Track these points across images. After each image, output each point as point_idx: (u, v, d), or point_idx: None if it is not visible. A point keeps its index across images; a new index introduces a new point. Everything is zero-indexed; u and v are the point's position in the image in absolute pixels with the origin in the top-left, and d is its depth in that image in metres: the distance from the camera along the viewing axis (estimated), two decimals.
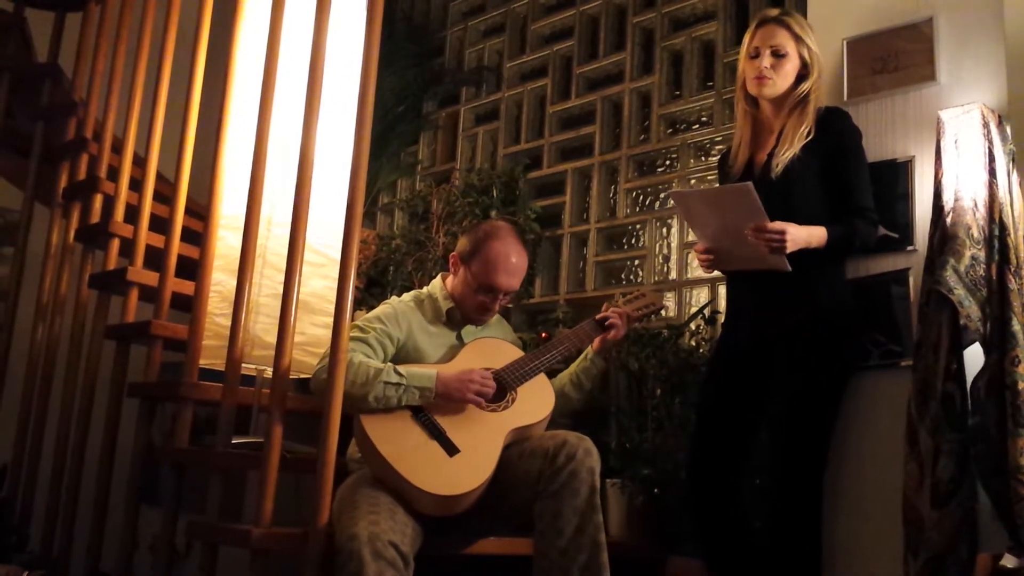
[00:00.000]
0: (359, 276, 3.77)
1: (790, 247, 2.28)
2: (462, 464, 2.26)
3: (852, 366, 2.41)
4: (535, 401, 2.46)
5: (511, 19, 4.19)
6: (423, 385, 2.32)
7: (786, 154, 2.41)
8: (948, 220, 2.21)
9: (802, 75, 2.46)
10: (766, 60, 2.44)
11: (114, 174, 3.22)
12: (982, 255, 2.17)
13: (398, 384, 2.29)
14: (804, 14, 2.81)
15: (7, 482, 3.15)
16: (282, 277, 2.44)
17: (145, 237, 3.03)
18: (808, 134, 2.42)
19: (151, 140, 3.11)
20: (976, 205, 2.21)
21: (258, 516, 2.22)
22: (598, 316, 2.65)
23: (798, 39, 2.45)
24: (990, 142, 2.26)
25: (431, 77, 4.37)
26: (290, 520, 2.41)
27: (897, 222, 2.45)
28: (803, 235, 2.31)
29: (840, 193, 2.40)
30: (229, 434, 2.48)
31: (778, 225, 2.27)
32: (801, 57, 2.45)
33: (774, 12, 2.51)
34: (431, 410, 2.34)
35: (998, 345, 2.10)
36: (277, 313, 2.41)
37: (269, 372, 2.47)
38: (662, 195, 3.48)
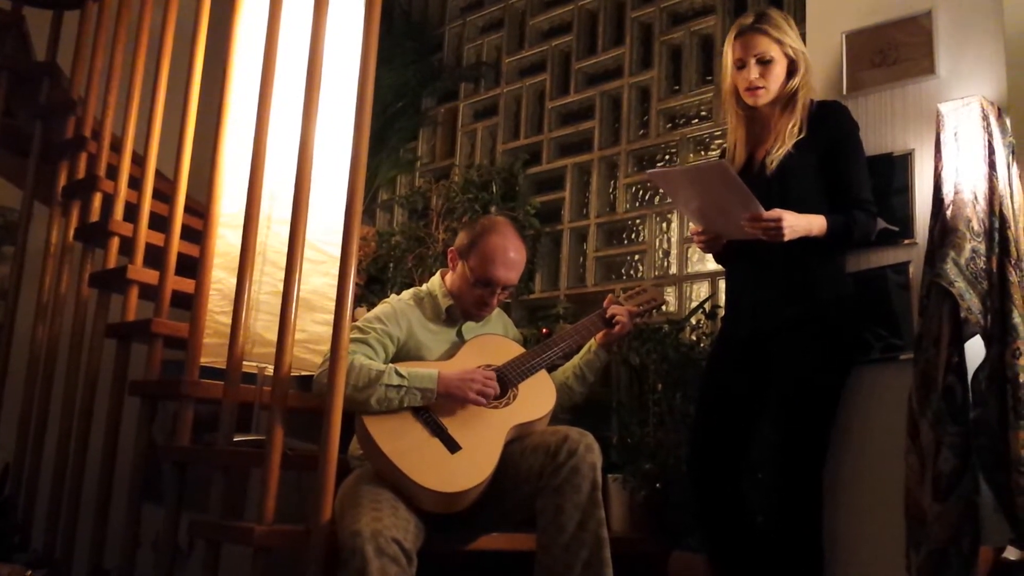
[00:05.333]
0: (359, 273, 3.77)
1: (788, 235, 2.28)
2: (464, 461, 2.26)
3: (852, 360, 2.41)
4: (537, 398, 2.47)
5: (509, 14, 4.18)
6: (425, 386, 2.32)
7: (779, 151, 2.42)
8: (948, 213, 2.21)
9: (791, 71, 2.46)
10: (754, 72, 2.44)
11: (113, 172, 3.22)
12: (982, 248, 2.16)
13: (399, 386, 2.29)
14: (803, 8, 2.81)
15: (9, 481, 3.15)
16: (282, 275, 2.44)
17: (145, 235, 3.03)
18: (800, 131, 2.42)
19: (150, 138, 3.10)
20: (976, 198, 2.20)
21: (260, 514, 2.23)
22: (606, 314, 2.65)
23: (779, 42, 2.44)
24: (990, 135, 2.26)
25: (430, 73, 4.36)
26: (292, 517, 2.41)
27: (897, 215, 2.45)
28: (803, 223, 2.31)
29: (839, 187, 2.40)
30: (230, 432, 2.49)
31: (774, 213, 2.28)
32: (786, 56, 2.45)
33: (749, 19, 2.48)
34: (433, 407, 2.35)
35: (999, 338, 2.09)
36: (277, 311, 2.41)
37: (270, 370, 2.47)
38: (661, 189, 3.47)
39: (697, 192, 2.40)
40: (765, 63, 2.44)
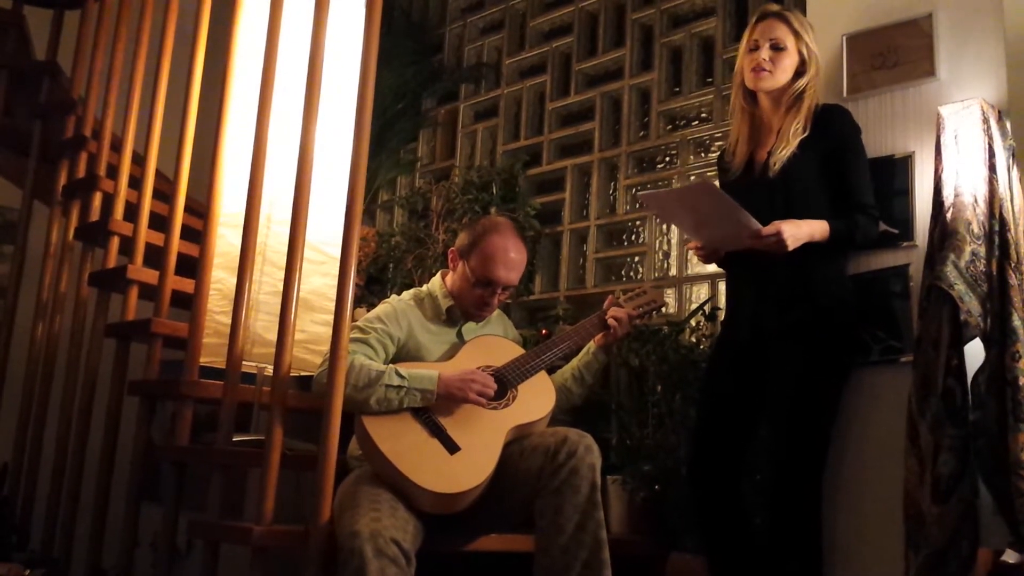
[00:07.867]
0: (359, 273, 3.77)
1: (791, 244, 2.28)
2: (463, 462, 2.26)
3: (852, 362, 2.41)
4: (536, 399, 2.47)
5: (510, 16, 4.18)
6: (424, 387, 2.32)
7: (783, 152, 2.41)
8: (948, 216, 2.21)
9: (800, 72, 2.47)
10: (764, 53, 2.45)
11: (113, 172, 3.22)
12: (982, 251, 2.16)
13: (399, 387, 2.29)
14: (804, 10, 2.81)
15: (8, 481, 3.15)
16: (282, 275, 2.44)
17: (145, 235, 3.03)
18: (804, 131, 2.42)
19: (150, 138, 3.10)
20: (976, 201, 2.20)
21: (259, 514, 2.22)
22: (604, 316, 2.65)
23: (797, 35, 2.46)
24: (990, 138, 2.26)
25: (430, 74, 4.36)
26: (291, 518, 2.41)
27: (897, 218, 2.45)
28: (804, 230, 2.31)
29: (841, 191, 2.40)
30: (230, 432, 2.48)
31: (772, 228, 2.28)
32: (800, 53, 2.46)
33: (775, 7, 2.51)
34: (432, 408, 2.34)
35: (998, 340, 2.10)
36: (277, 311, 2.41)
37: (270, 370, 2.47)
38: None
39: (689, 210, 2.43)
40: (778, 49, 2.45)
